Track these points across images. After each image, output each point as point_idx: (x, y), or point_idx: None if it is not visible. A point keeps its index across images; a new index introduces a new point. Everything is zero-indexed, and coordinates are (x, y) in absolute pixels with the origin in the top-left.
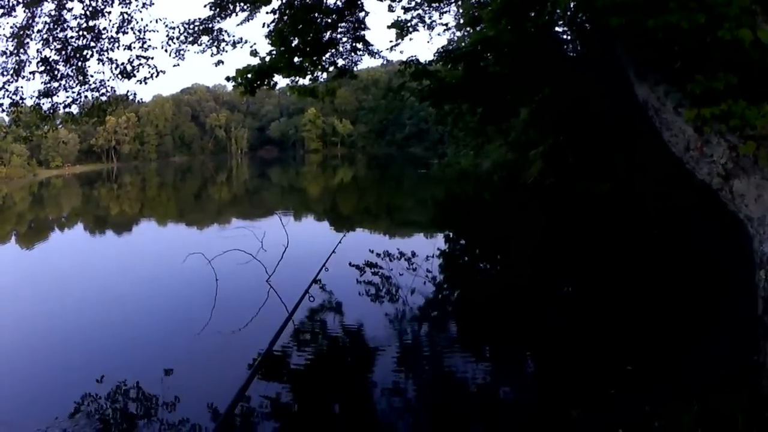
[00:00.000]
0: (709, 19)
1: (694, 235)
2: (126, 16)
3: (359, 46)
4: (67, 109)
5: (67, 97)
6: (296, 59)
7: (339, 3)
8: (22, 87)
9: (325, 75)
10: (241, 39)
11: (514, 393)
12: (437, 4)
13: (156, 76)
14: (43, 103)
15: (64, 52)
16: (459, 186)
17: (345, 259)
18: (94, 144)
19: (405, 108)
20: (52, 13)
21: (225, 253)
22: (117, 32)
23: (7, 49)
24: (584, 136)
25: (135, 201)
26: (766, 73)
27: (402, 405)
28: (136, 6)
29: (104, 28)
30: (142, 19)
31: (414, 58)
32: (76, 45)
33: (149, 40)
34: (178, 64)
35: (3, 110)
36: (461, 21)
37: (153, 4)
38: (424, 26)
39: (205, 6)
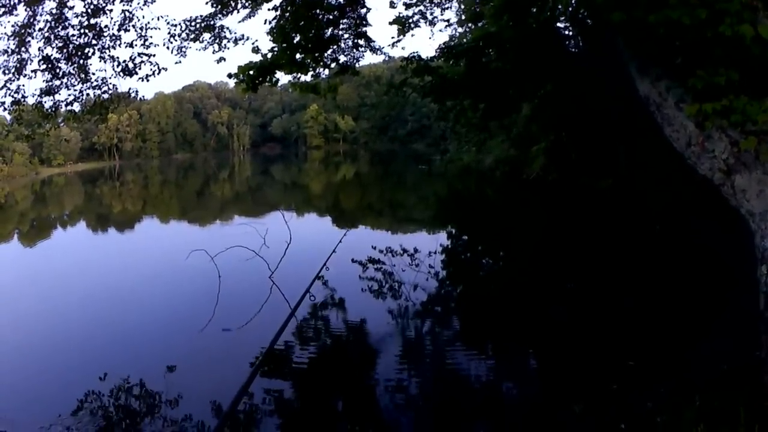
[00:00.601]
0: (710, 15)
1: (695, 230)
2: (127, 13)
3: (361, 42)
4: (68, 107)
5: (69, 95)
6: (298, 56)
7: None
8: (23, 85)
9: (326, 71)
10: (243, 36)
11: (517, 389)
12: (439, 1)
13: (158, 74)
14: (45, 101)
15: (65, 50)
16: (461, 182)
17: (347, 255)
18: (96, 142)
19: (407, 104)
20: (54, 11)
21: (227, 249)
22: (118, 30)
23: (8, 47)
24: (586, 131)
25: (137, 198)
26: (767, 68)
27: (405, 401)
28: (138, 3)
29: (106, 26)
30: (143, 17)
31: (416, 54)
32: (77, 43)
33: (151, 37)
34: (180, 62)
35: (5, 109)
36: (463, 17)
37: (154, 1)
38: (425, 22)
39: (206, 3)
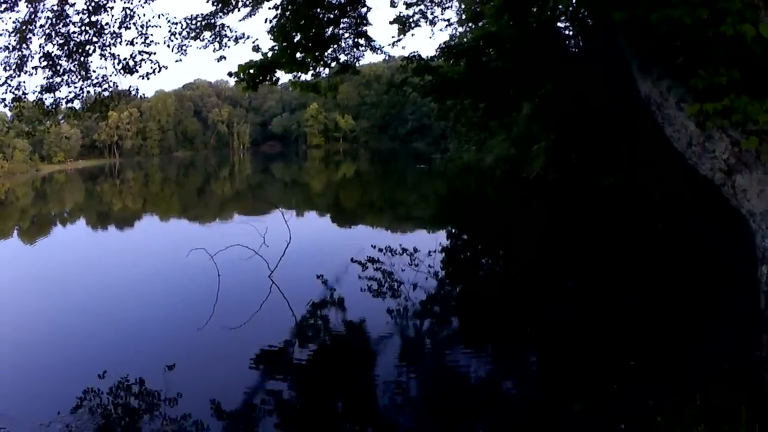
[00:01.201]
0: (712, 14)
1: (696, 229)
2: (128, 11)
3: (361, 41)
4: (69, 105)
5: (70, 92)
6: (298, 55)
7: None
8: (24, 82)
9: (327, 70)
10: (244, 34)
11: (517, 388)
12: (439, 0)
13: (158, 72)
14: (46, 98)
15: (66, 47)
16: (461, 181)
17: (347, 254)
18: (97, 139)
19: (407, 103)
20: (55, 8)
21: (227, 248)
22: (119, 27)
23: (9, 43)
24: (587, 130)
25: (137, 196)
26: None
27: (404, 400)
28: (138, 1)
29: (106, 24)
30: (144, 15)
31: (416, 53)
32: (78, 40)
33: (151, 35)
34: (181, 60)
35: (6, 105)
36: (463, 17)
37: None
38: (426, 22)
39: (207, 1)
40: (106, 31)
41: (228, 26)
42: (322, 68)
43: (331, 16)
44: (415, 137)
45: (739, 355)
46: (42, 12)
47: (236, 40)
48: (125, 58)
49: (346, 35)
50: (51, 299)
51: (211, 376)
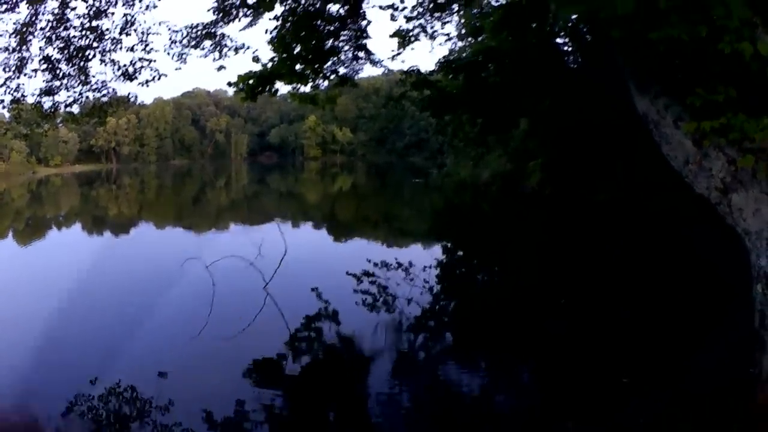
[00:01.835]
0: (710, 32)
1: (693, 244)
2: (129, 17)
3: (361, 54)
4: (68, 109)
5: (69, 96)
6: (298, 66)
7: (341, 11)
8: (23, 84)
9: (326, 83)
10: (244, 45)
11: (510, 403)
12: (439, 14)
13: (158, 79)
14: (45, 101)
15: (66, 51)
16: (458, 196)
17: (342, 267)
18: (94, 144)
19: (405, 117)
20: (56, 11)
21: (222, 259)
22: (120, 33)
23: (9, 45)
24: (584, 146)
25: (133, 203)
26: (765, 85)
27: (397, 414)
28: (140, 8)
29: (107, 29)
30: (145, 22)
31: (415, 67)
32: (78, 44)
33: (152, 42)
34: (180, 68)
35: (4, 107)
36: (463, 31)
37: (156, 6)
38: (426, 36)
39: (208, 10)
40: (106, 37)
41: (228, 36)
42: (321, 80)
43: (332, 28)
44: (412, 151)
45: (733, 372)
46: (43, 14)
47: (236, 50)
48: (125, 65)
49: (346, 48)
50: (42, 303)
51: (203, 386)
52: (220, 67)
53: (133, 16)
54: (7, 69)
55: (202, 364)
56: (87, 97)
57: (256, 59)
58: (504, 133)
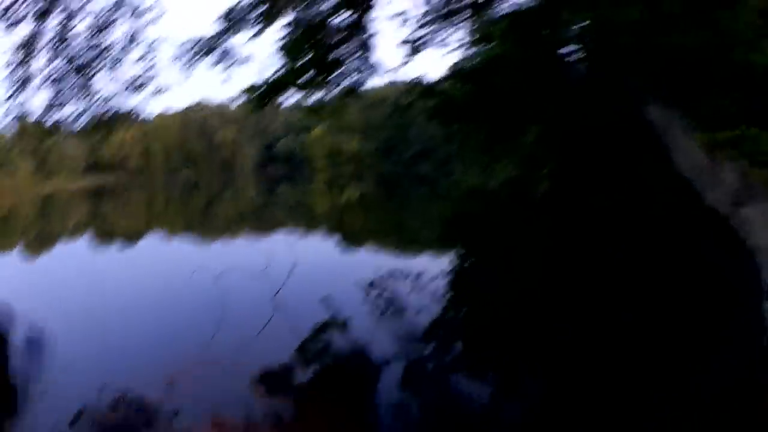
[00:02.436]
0: (721, 42)
1: (702, 251)
2: (133, 32)
3: (367, 64)
4: (73, 123)
5: (74, 111)
6: (304, 77)
7: (347, 22)
8: (28, 100)
9: (333, 93)
10: (249, 56)
11: (518, 412)
12: (447, 23)
13: (163, 92)
14: (50, 117)
15: (71, 66)
16: (466, 204)
17: (352, 277)
18: (101, 158)
19: (412, 126)
20: (59, 27)
21: (231, 269)
22: (124, 48)
23: (12, 61)
24: (592, 154)
25: (141, 215)
26: None
27: (406, 425)
28: (144, 22)
29: (111, 44)
30: (149, 36)
31: (422, 76)
32: (82, 60)
33: (156, 56)
34: (186, 81)
35: (9, 123)
36: (472, 39)
37: (160, 19)
38: (434, 44)
39: (212, 23)
40: (110, 51)
41: (233, 48)
42: (327, 91)
43: (338, 39)
44: (420, 160)
45: (740, 376)
46: (46, 30)
47: (242, 61)
48: (130, 79)
49: (352, 58)
50: (49, 314)
51: (211, 395)
52: (226, 79)
53: (137, 30)
54: (11, 85)
55: (211, 373)
56: (93, 112)
57: (261, 71)
58: (512, 141)
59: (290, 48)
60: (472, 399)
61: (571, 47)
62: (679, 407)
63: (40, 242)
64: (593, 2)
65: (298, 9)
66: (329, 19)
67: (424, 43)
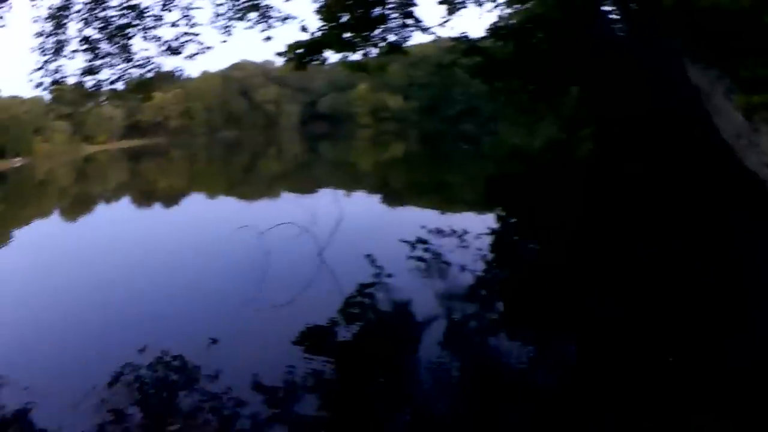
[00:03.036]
0: (759, 4)
1: (746, 225)
2: None
3: (409, 22)
4: (111, 86)
5: (112, 74)
6: (346, 35)
7: None
8: (63, 66)
9: (375, 50)
10: (290, 15)
11: (556, 379)
12: None
13: (204, 53)
14: (87, 81)
15: (106, 31)
16: (510, 164)
17: (396, 234)
18: (141, 119)
19: (456, 84)
20: None
21: (276, 226)
22: (161, 10)
23: (44, 29)
24: (635, 118)
25: (183, 175)
26: None
27: (444, 383)
28: None
29: (146, 7)
30: None
31: (465, 34)
32: (118, 23)
33: (195, 17)
34: (226, 41)
35: (44, 89)
36: None
37: None
38: (474, 2)
39: None
40: (146, 14)
41: (273, 6)
42: (370, 48)
43: None
44: (463, 119)
45: None
46: None
47: (283, 20)
48: (169, 40)
49: (394, 15)
50: (94, 275)
51: (253, 353)
52: (268, 38)
53: None
54: (44, 52)
55: (253, 331)
56: (131, 74)
57: (303, 29)
58: (555, 101)
59: (332, 5)
60: (510, 361)
61: (612, 6)
62: (714, 378)
63: (80, 203)
64: None
65: None
66: None
67: (463, 1)
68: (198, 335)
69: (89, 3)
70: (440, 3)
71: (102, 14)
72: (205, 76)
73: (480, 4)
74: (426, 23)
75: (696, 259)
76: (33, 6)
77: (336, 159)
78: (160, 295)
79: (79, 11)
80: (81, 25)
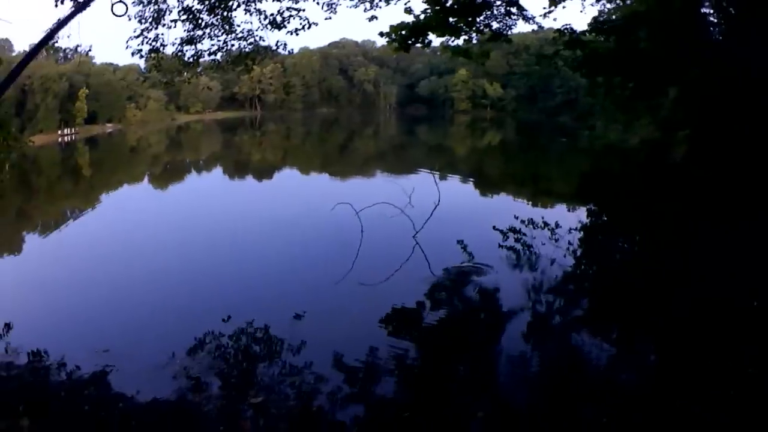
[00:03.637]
0: None
1: None
2: None
3: (513, 10)
4: (211, 57)
5: (212, 44)
6: (451, 19)
7: None
8: (162, 34)
9: (478, 37)
10: None
11: (635, 379)
12: None
13: (308, 28)
14: (186, 51)
15: (207, 2)
16: (605, 160)
17: (489, 222)
18: (238, 92)
19: (555, 76)
20: None
21: (373, 205)
22: None
23: None
24: (732, 122)
25: (279, 148)
26: None
27: (523, 375)
28: None
29: None
30: None
31: (568, 26)
32: None
33: None
34: (330, 18)
35: (142, 56)
36: None
37: None
38: None
39: None
40: None
41: None
42: (473, 34)
43: None
44: (561, 111)
45: None
46: None
47: (387, 0)
48: (272, 14)
49: (498, 3)
50: (182, 243)
51: (338, 330)
52: (372, 18)
53: None
54: (143, 20)
55: (341, 308)
56: (231, 46)
57: (408, 10)
58: (653, 100)
59: None
60: (591, 358)
61: (712, 9)
62: None
63: (170, 171)
64: None
65: None
66: None
67: None
68: (284, 308)
69: None
70: None
71: None
72: (304, 52)
73: None
74: (529, 12)
75: None
76: None
77: (433, 142)
78: (249, 267)
79: None
80: None
